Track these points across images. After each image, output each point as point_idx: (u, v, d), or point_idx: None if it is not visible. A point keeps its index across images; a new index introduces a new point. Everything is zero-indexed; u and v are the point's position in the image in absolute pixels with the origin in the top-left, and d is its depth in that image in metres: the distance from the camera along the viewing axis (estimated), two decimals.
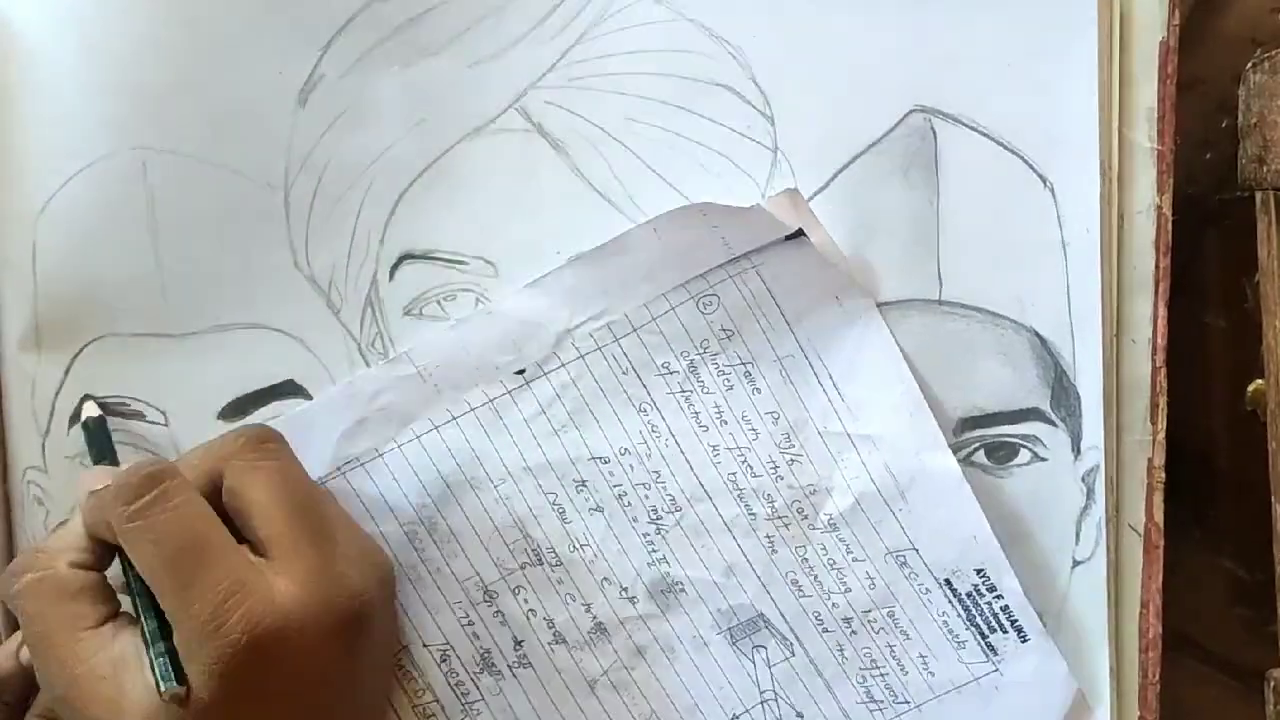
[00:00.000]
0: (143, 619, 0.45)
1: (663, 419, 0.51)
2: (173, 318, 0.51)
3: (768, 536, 0.51)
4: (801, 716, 0.52)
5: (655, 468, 0.51)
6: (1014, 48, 0.50)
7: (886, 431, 0.50)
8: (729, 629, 0.52)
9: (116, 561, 0.47)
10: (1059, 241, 0.51)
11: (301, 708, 0.44)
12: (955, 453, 0.51)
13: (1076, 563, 0.52)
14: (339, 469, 0.51)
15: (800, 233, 0.50)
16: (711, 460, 0.51)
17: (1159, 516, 0.51)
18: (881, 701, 0.52)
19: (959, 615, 0.51)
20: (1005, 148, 0.50)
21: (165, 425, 0.52)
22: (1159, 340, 0.51)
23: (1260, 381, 0.54)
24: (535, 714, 0.52)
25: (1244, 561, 0.56)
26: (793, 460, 0.51)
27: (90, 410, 0.50)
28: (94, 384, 0.52)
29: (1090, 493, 0.51)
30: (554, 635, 0.52)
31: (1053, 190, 0.51)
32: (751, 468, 0.51)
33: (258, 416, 0.52)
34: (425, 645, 0.52)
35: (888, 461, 0.51)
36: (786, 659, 0.52)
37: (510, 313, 0.50)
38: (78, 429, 0.51)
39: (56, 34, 0.50)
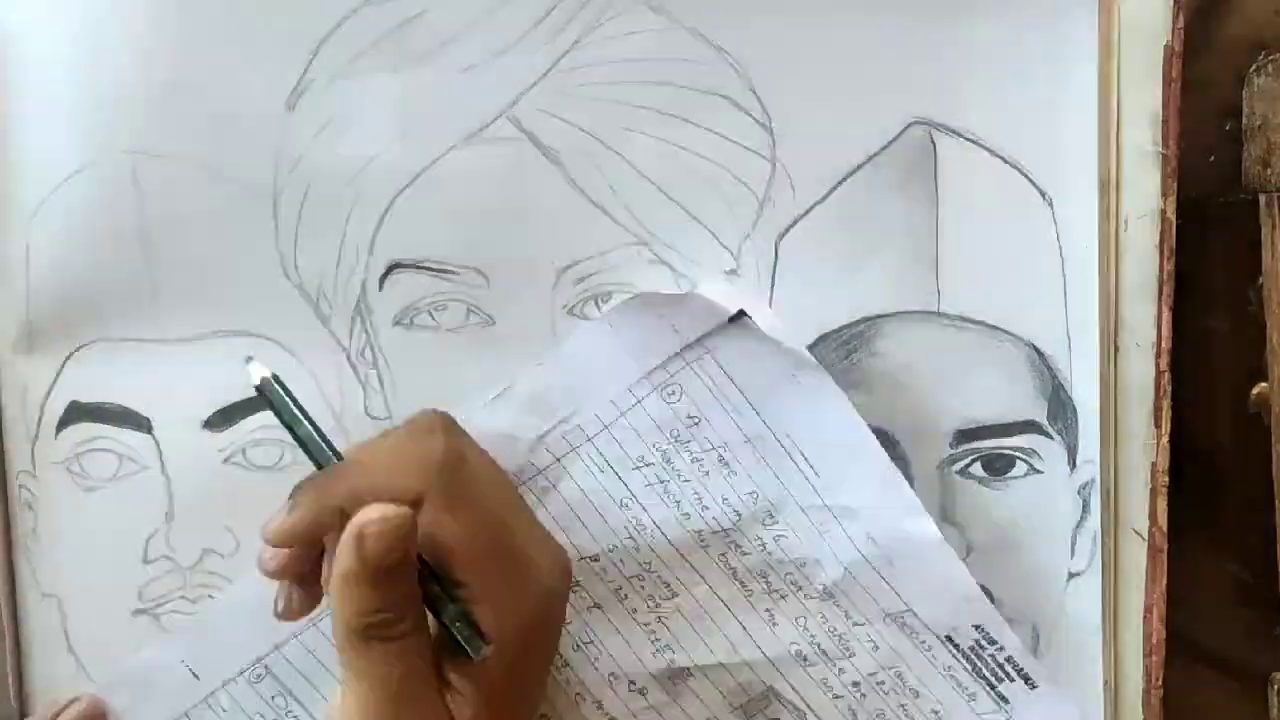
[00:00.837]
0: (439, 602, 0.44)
1: (645, 511, 0.51)
2: (163, 323, 0.51)
3: (767, 610, 0.51)
4: None
5: (645, 559, 0.51)
6: (1014, 61, 0.50)
7: (864, 501, 0.51)
8: (741, 706, 0.52)
9: None
10: (1057, 255, 0.51)
11: None
12: (951, 465, 0.51)
13: (1071, 575, 0.52)
14: (329, 607, 0.50)
15: (742, 314, 0.50)
16: (699, 545, 0.51)
17: (1163, 520, 0.51)
18: None
19: (965, 669, 0.51)
20: (1004, 161, 0.50)
21: (150, 433, 0.51)
22: (1163, 344, 0.51)
23: (1265, 385, 0.54)
24: None
25: (1248, 564, 0.56)
26: (778, 536, 0.51)
27: (258, 371, 0.45)
28: (82, 388, 0.51)
29: (1086, 505, 0.51)
30: None
31: (1051, 204, 0.50)
32: (740, 547, 0.51)
33: (243, 426, 0.51)
34: None
35: (869, 531, 0.51)
36: None
37: (479, 429, 0.49)
38: (66, 433, 0.51)
39: (48, 40, 0.50)
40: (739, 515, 0.51)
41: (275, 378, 0.45)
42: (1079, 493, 0.51)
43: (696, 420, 0.50)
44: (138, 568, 0.52)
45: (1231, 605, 0.56)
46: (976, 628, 0.51)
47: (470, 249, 0.51)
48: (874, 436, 0.50)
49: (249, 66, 0.50)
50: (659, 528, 0.51)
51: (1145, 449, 0.51)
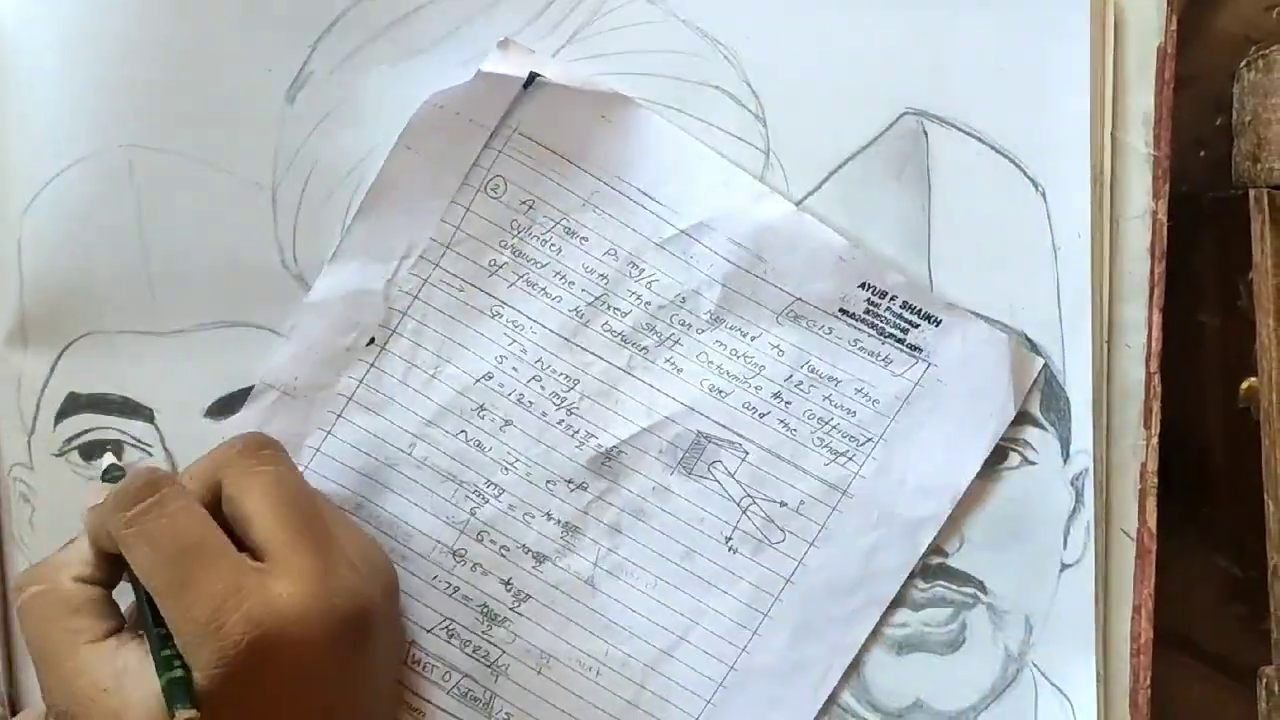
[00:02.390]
0: (150, 626, 0.44)
1: (518, 311, 0.51)
2: (159, 315, 0.51)
3: (667, 360, 0.51)
4: (785, 504, 0.52)
5: (535, 358, 0.51)
6: (1007, 51, 0.50)
7: (714, 210, 0.50)
8: (679, 463, 0.52)
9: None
10: (1050, 245, 0.51)
11: (304, 708, 0.44)
12: None
13: (1065, 566, 0.52)
14: None
15: (534, 76, 0.49)
16: (580, 323, 0.51)
17: (1152, 521, 0.51)
18: (847, 451, 0.51)
19: (869, 334, 0.51)
20: (997, 151, 0.50)
21: (152, 422, 0.51)
22: (1153, 345, 0.51)
23: (1254, 379, 0.54)
24: (556, 637, 0.52)
25: (1237, 559, 0.56)
26: (650, 283, 0.51)
27: (108, 460, 0.50)
28: (80, 380, 0.51)
29: (1079, 496, 0.51)
30: (534, 557, 0.52)
31: (1044, 194, 0.51)
32: (618, 309, 0.51)
33: (244, 415, 0.51)
34: (428, 631, 0.52)
35: (730, 235, 0.50)
36: (743, 460, 0.51)
37: (329, 294, 0.50)
38: (63, 425, 0.51)
39: (44, 30, 0.50)
40: (605, 278, 0.51)
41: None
42: (1072, 484, 0.51)
43: (530, 203, 0.50)
44: None
45: (1220, 600, 0.56)
46: (863, 285, 0.50)
47: None
48: (699, 141, 0.50)
49: (247, 59, 0.50)
50: (536, 321, 0.51)
51: (1135, 450, 0.51)
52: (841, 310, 0.51)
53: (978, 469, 0.51)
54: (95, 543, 0.46)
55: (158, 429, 0.52)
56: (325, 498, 0.49)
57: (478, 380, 0.51)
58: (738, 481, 0.51)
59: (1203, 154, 0.54)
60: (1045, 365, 0.51)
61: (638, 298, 0.51)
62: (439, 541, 0.52)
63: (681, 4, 0.50)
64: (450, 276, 0.50)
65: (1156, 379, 0.51)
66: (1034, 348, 0.51)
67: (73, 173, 0.50)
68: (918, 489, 0.51)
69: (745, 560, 0.52)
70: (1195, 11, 0.53)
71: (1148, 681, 0.51)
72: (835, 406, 0.51)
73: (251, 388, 0.51)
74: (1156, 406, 0.51)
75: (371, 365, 0.51)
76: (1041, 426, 0.51)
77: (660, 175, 0.50)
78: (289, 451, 0.48)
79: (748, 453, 0.51)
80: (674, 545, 0.52)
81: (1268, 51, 0.51)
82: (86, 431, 0.52)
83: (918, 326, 0.51)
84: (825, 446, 0.51)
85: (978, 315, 0.51)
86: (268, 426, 0.50)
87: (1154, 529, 0.51)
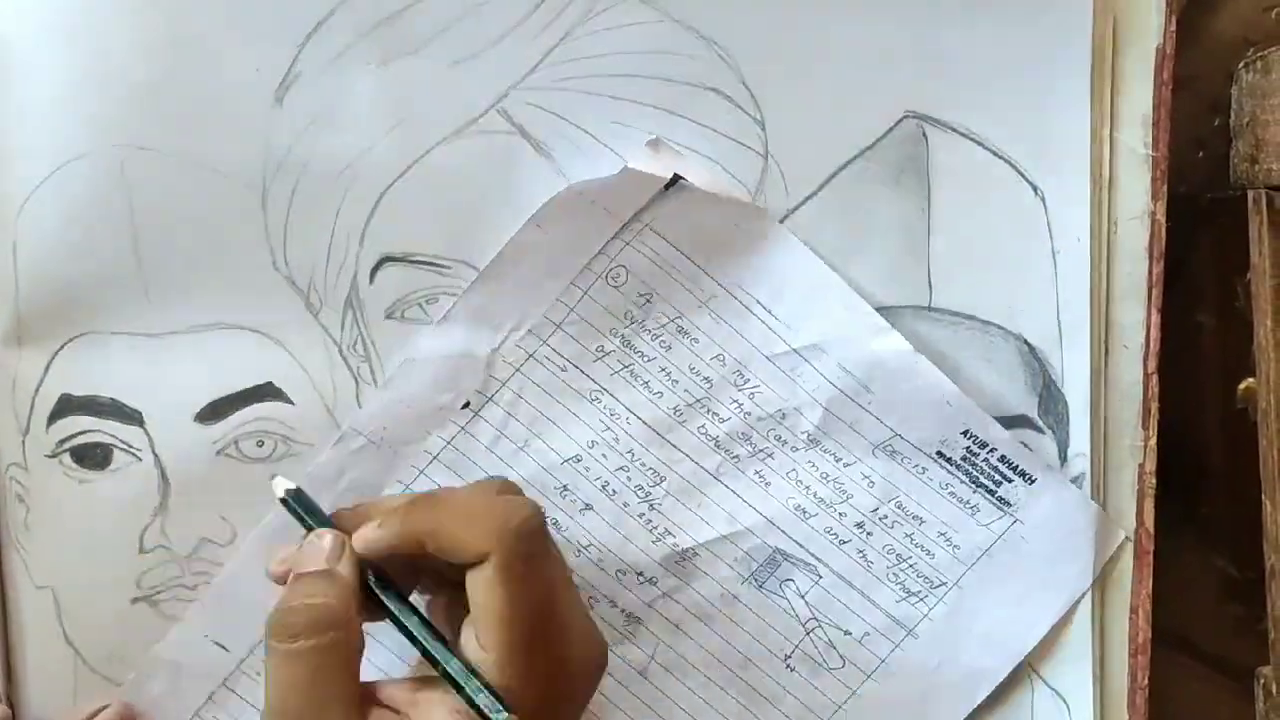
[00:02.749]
0: (444, 665, 0.43)
1: (616, 400, 0.51)
2: (152, 316, 0.51)
3: (756, 472, 0.51)
4: (849, 633, 0.52)
5: (627, 448, 0.51)
6: (1007, 55, 0.49)
7: (829, 334, 0.50)
8: (752, 575, 0.52)
9: None
10: (1049, 249, 0.51)
11: None
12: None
13: None
14: None
15: (677, 178, 0.49)
16: (677, 421, 0.51)
17: (1149, 522, 0.51)
18: (919, 592, 0.52)
19: (962, 481, 0.51)
20: (997, 155, 0.50)
21: (141, 426, 0.51)
22: (1151, 346, 0.51)
23: (1251, 380, 0.54)
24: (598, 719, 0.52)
25: (1235, 559, 0.56)
26: (753, 393, 0.51)
27: (282, 486, 0.47)
28: (73, 382, 0.51)
29: None
30: None
31: (1043, 198, 0.50)
32: (717, 414, 0.51)
33: (235, 419, 0.51)
34: None
35: (840, 361, 0.50)
36: (815, 583, 0.52)
37: (433, 353, 0.50)
38: (56, 426, 0.51)
39: (35, 31, 0.49)
40: (709, 382, 0.51)
41: (298, 490, 0.47)
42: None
43: (648, 297, 0.50)
44: (134, 557, 0.52)
45: (1218, 600, 0.57)
46: (964, 433, 0.50)
47: (461, 242, 0.51)
48: (826, 265, 0.50)
49: (237, 59, 0.49)
50: (633, 413, 0.51)
51: (1133, 451, 0.51)
52: (939, 453, 0.51)
53: (1045, 631, 0.51)
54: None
55: (147, 433, 0.51)
56: (568, 574, 0.47)
57: (565, 460, 0.51)
58: (806, 602, 0.52)
59: (1201, 155, 0.54)
60: (1045, 369, 0.51)
61: (738, 406, 0.51)
62: None
63: (677, 5, 0.49)
64: (555, 355, 0.50)
65: (1155, 380, 0.51)
66: (1032, 351, 0.51)
67: (64, 173, 0.50)
68: (984, 640, 0.51)
69: (801, 680, 0.52)
70: (1193, 13, 0.52)
71: (1145, 682, 0.52)
72: (915, 545, 0.51)
73: (244, 391, 0.51)
74: (1155, 407, 0.51)
75: (462, 429, 0.51)
76: (1039, 430, 0.51)
77: (781, 291, 0.50)
78: (366, 496, 0.49)
79: (821, 576, 0.51)
80: (732, 653, 0.52)
81: (1266, 53, 0.51)
82: (79, 434, 0.52)
83: (1011, 481, 0.51)
84: (899, 583, 0.51)
85: (1068, 483, 0.51)
86: (349, 471, 0.51)
87: (1152, 530, 0.52)
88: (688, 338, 0.50)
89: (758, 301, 0.50)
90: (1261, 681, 0.54)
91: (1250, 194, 0.52)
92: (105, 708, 0.51)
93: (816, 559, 0.52)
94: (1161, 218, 0.50)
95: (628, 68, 0.50)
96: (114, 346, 0.51)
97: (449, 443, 0.51)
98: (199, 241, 0.50)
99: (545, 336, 0.50)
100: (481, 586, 0.42)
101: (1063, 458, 0.51)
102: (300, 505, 0.47)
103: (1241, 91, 0.52)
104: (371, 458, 0.50)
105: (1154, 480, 0.51)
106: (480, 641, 0.43)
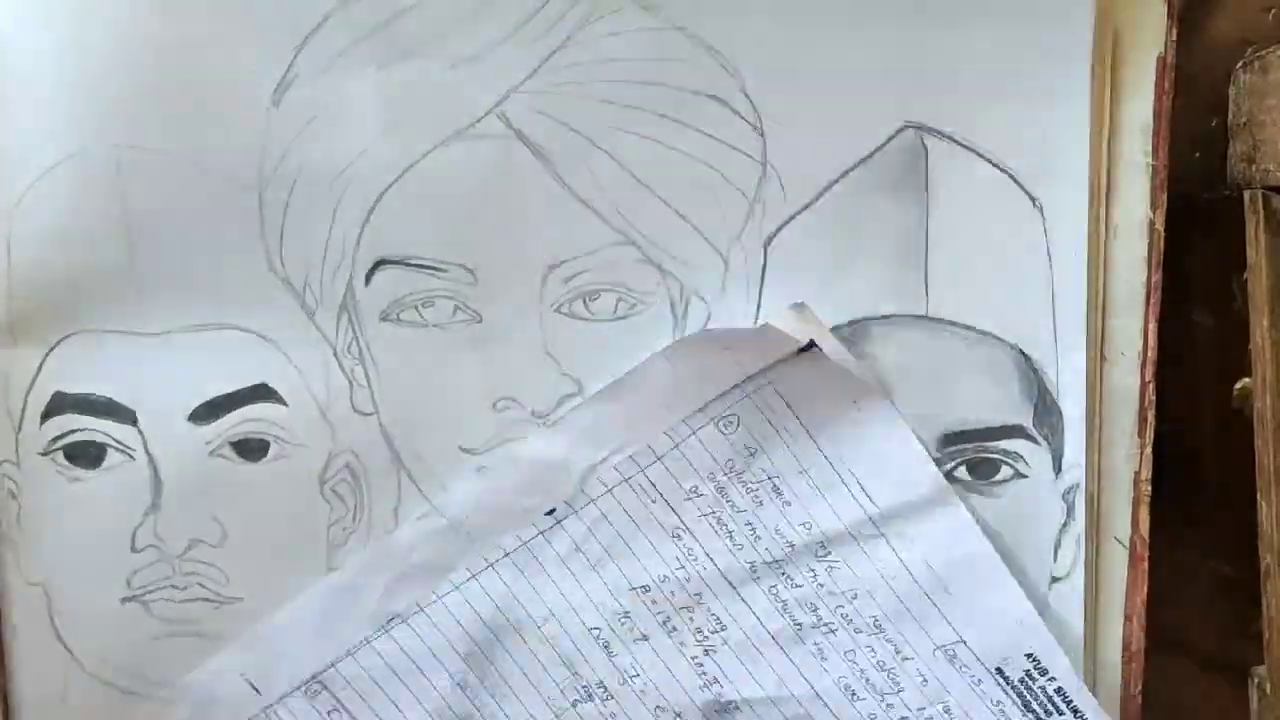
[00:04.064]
0: None
1: (697, 542, 0.51)
2: (146, 316, 0.51)
3: (816, 645, 0.52)
4: None
5: (696, 590, 0.51)
6: (1006, 65, 0.49)
7: (921, 527, 0.50)
8: None
9: None
10: (1046, 260, 0.50)
11: None
12: (938, 467, 0.51)
13: (1054, 579, 0.52)
14: (384, 626, 0.51)
15: (812, 344, 0.49)
16: (750, 576, 0.51)
17: (1145, 529, 0.52)
18: None
19: (1014, 703, 0.51)
20: (995, 166, 0.50)
21: (134, 425, 0.51)
22: (1148, 354, 0.51)
23: (1247, 380, 0.54)
24: None
25: (1230, 559, 0.56)
26: (831, 568, 0.51)
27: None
28: (67, 380, 0.51)
29: (1070, 510, 0.52)
30: None
31: (1041, 209, 0.50)
32: (791, 579, 0.51)
33: (229, 420, 0.51)
34: None
35: (925, 556, 0.51)
36: None
37: (533, 455, 0.50)
38: (49, 424, 0.51)
39: (31, 30, 0.49)
40: (792, 546, 0.51)
41: None
42: (1063, 497, 0.52)
43: (753, 451, 0.50)
44: (125, 556, 0.52)
45: (1213, 600, 0.57)
46: (1028, 656, 0.51)
47: (458, 246, 0.50)
48: (930, 459, 0.50)
49: (234, 60, 0.49)
50: (710, 558, 0.51)
51: (1129, 457, 0.51)
52: (998, 670, 0.51)
53: None
54: None
55: (140, 432, 0.51)
56: None
57: (634, 588, 0.51)
58: None
59: (1197, 155, 0.54)
60: (1040, 379, 0.51)
61: (814, 575, 0.51)
62: (532, 715, 0.52)
63: (679, 12, 0.49)
64: (649, 486, 0.51)
65: (1151, 388, 0.51)
66: (1028, 361, 0.51)
67: (60, 171, 0.50)
68: None
69: None
70: (1192, 13, 0.52)
71: (1139, 689, 0.52)
72: None
73: (238, 391, 0.51)
74: (1151, 415, 0.51)
75: (541, 534, 0.51)
76: (1034, 440, 0.51)
77: (884, 476, 0.50)
78: (431, 580, 0.50)
79: None
80: None
81: (1264, 53, 0.51)
82: (71, 432, 0.52)
83: (1061, 714, 0.51)
84: None
85: None
86: (423, 546, 0.51)
87: (1146, 537, 0.52)
88: (781, 499, 0.51)
89: (857, 480, 0.50)
90: (1256, 681, 0.54)
91: (1247, 194, 0.52)
92: None
93: None
94: (1160, 227, 0.50)
95: (627, 74, 0.49)
96: (108, 345, 0.51)
97: (524, 544, 0.51)
98: (194, 241, 0.50)
99: (644, 465, 0.51)
100: None
101: (1057, 468, 0.51)
102: None
103: (1239, 92, 0.52)
104: (447, 540, 0.50)
105: (1149, 488, 0.51)
106: None
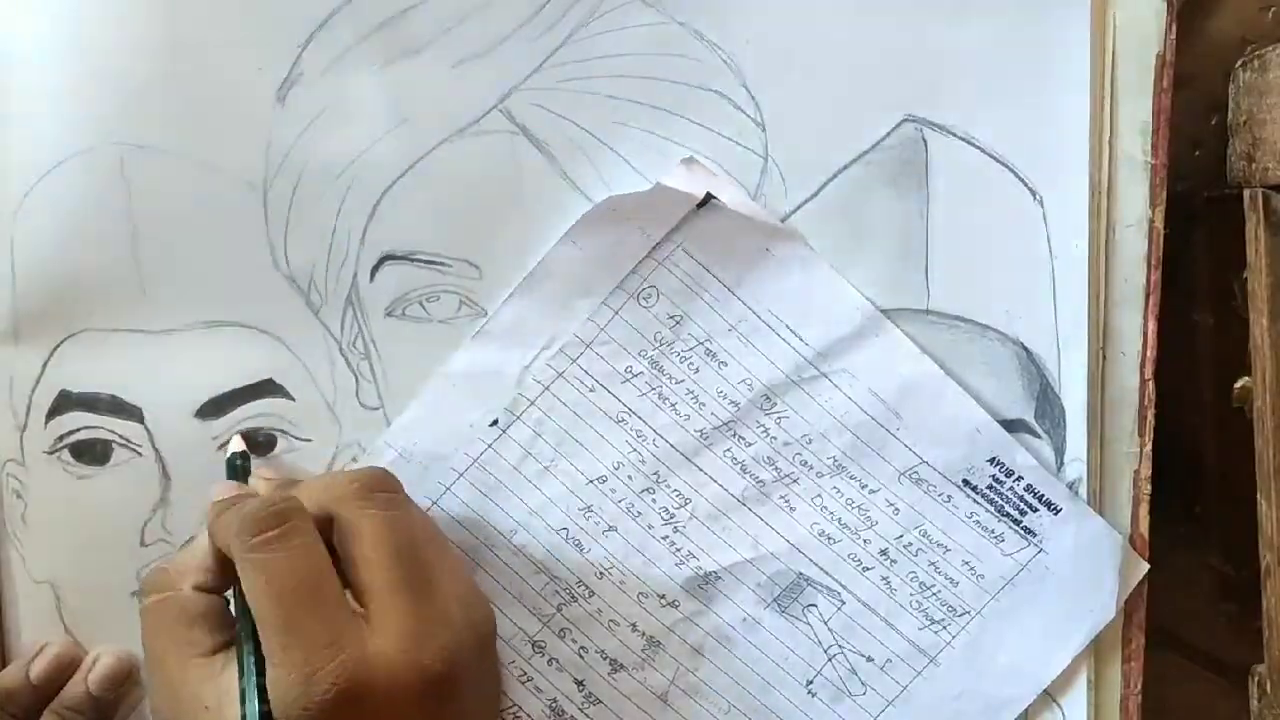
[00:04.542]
0: (243, 649, 0.45)
1: (643, 422, 0.51)
2: (151, 314, 0.51)
3: (782, 498, 0.51)
4: (872, 659, 0.52)
5: (653, 470, 0.51)
6: (1007, 60, 0.49)
7: (858, 359, 0.50)
8: (775, 599, 0.52)
9: None
10: (1047, 254, 0.51)
11: None
12: None
13: None
14: None
15: (710, 197, 0.49)
16: (703, 445, 0.51)
17: (1145, 528, 0.52)
18: (943, 620, 0.52)
19: (987, 510, 0.51)
20: (996, 159, 0.50)
21: (141, 422, 0.51)
22: (1148, 353, 0.51)
23: (1247, 379, 0.54)
24: None
25: (1230, 558, 0.56)
26: (780, 418, 0.51)
27: (236, 445, 0.51)
28: (72, 378, 0.51)
29: None
30: (611, 664, 0.52)
31: (1042, 203, 0.50)
32: (744, 438, 0.51)
33: (236, 415, 0.51)
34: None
35: (870, 386, 0.50)
36: (839, 609, 0.52)
37: (463, 369, 0.50)
38: (54, 423, 0.51)
39: (34, 28, 0.49)
40: (736, 406, 0.51)
41: (246, 454, 0.50)
42: None
43: (678, 319, 0.50)
44: (134, 551, 0.52)
45: (1213, 599, 0.57)
46: (991, 460, 0.50)
47: (462, 241, 0.51)
48: (854, 289, 0.50)
49: (238, 58, 0.49)
50: (660, 435, 0.51)
51: (1129, 457, 0.51)
52: (965, 481, 0.51)
53: (1068, 661, 0.51)
54: (215, 541, 0.46)
55: (147, 429, 0.51)
56: (437, 535, 0.49)
57: (591, 481, 0.51)
58: (829, 628, 0.52)
59: (1197, 154, 0.54)
60: (1042, 374, 0.51)
61: (765, 430, 0.51)
62: (521, 628, 0.52)
63: (680, 7, 0.49)
64: (585, 375, 0.50)
65: (1151, 387, 0.51)
66: (1030, 355, 0.51)
67: (64, 169, 0.50)
68: (1006, 670, 0.52)
69: (822, 706, 0.52)
70: (1191, 12, 0.52)
71: (1139, 688, 0.52)
72: (939, 574, 0.51)
73: (244, 387, 0.51)
74: (1150, 415, 0.51)
75: (489, 446, 0.51)
76: (1036, 434, 0.52)
77: (811, 315, 0.50)
78: None
79: (844, 602, 0.52)
80: (753, 677, 0.52)
81: (1263, 52, 0.51)
82: (77, 430, 0.52)
83: (1036, 511, 0.51)
84: (922, 611, 0.52)
85: (1092, 513, 0.51)
86: None
87: (1147, 535, 0.52)
88: (716, 361, 0.50)
89: (786, 325, 0.50)
90: (1256, 680, 0.54)
91: (1247, 193, 0.52)
92: (48, 645, 0.52)
93: (840, 585, 0.52)
94: (1160, 225, 0.50)
95: (630, 69, 0.50)
96: (112, 343, 0.51)
97: (475, 460, 0.51)
98: (199, 239, 0.50)
99: (575, 356, 0.50)
100: (339, 540, 0.45)
101: (1059, 462, 0.52)
102: (240, 471, 0.50)
103: (1239, 90, 0.52)
104: (400, 472, 0.50)
105: (1149, 487, 0.51)
106: (355, 592, 0.44)
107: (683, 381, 0.51)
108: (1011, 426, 0.51)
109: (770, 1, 0.49)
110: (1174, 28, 0.49)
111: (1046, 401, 0.51)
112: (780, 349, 0.50)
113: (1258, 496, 0.53)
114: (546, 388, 0.51)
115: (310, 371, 0.51)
